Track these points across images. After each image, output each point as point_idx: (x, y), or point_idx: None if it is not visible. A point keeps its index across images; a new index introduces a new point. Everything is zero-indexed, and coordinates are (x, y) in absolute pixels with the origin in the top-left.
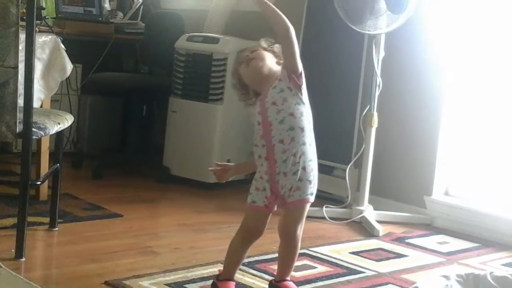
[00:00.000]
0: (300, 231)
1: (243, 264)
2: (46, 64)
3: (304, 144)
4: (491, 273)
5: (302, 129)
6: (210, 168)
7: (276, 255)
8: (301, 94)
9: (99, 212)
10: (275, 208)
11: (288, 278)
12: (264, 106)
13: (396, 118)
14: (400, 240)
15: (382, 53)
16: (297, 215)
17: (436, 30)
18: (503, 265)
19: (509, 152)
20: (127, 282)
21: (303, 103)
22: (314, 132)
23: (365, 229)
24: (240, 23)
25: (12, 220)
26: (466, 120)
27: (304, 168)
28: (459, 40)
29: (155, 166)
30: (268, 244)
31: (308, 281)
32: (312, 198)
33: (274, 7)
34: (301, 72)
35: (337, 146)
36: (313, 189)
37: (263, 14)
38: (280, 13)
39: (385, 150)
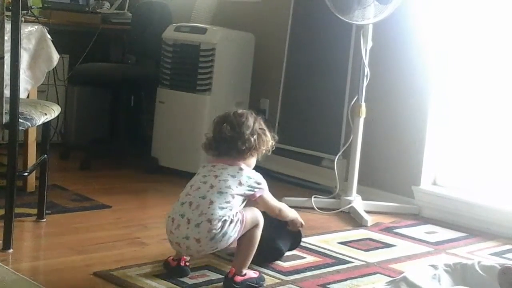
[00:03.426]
0: None
1: (231, 255)
2: (32, 55)
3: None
4: (478, 262)
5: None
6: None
7: None
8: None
9: (87, 203)
10: None
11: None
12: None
13: (384, 108)
14: (388, 230)
15: (370, 43)
16: None
17: (423, 20)
18: (491, 254)
19: (497, 142)
20: (115, 273)
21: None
22: (303, 122)
23: (353, 219)
24: (227, 13)
25: None
26: (454, 110)
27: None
28: (447, 30)
29: (143, 157)
30: None
31: (297, 271)
32: None
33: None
34: None
35: (325, 136)
36: None
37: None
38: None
39: (373, 140)
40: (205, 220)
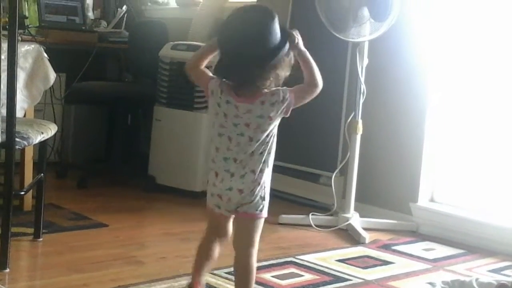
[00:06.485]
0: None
1: (230, 273)
2: (29, 73)
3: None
4: (476, 279)
5: None
6: None
7: (265, 263)
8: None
9: (84, 222)
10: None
11: None
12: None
13: (380, 125)
14: (386, 247)
15: (366, 61)
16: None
17: (419, 37)
18: (489, 271)
19: (494, 159)
20: None
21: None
22: (300, 140)
23: (351, 237)
24: None
25: None
26: (451, 126)
27: None
28: (443, 46)
29: (140, 175)
30: None
31: None
32: None
33: (313, 64)
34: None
35: (322, 153)
36: None
37: (303, 63)
38: (316, 68)
39: (370, 157)
40: (249, 171)
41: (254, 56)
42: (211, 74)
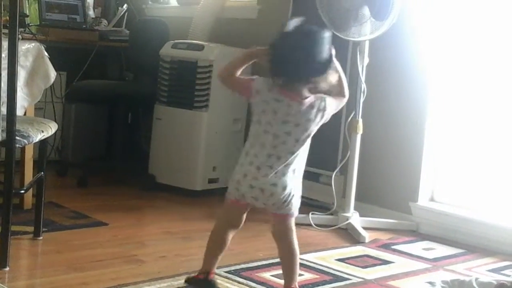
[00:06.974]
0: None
1: (229, 272)
2: (30, 72)
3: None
4: (476, 279)
5: None
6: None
7: (264, 262)
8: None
9: (84, 221)
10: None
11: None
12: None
13: (381, 124)
14: (386, 246)
15: (366, 60)
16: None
17: (420, 37)
18: (488, 271)
19: (494, 158)
20: None
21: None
22: None
23: (351, 236)
24: (225, 30)
25: None
26: (451, 126)
27: None
28: (443, 46)
29: (140, 173)
30: (253, 252)
31: None
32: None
33: (343, 76)
34: None
35: (322, 153)
36: None
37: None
38: (345, 81)
39: (371, 156)
40: (291, 170)
41: (310, 63)
42: (247, 78)
